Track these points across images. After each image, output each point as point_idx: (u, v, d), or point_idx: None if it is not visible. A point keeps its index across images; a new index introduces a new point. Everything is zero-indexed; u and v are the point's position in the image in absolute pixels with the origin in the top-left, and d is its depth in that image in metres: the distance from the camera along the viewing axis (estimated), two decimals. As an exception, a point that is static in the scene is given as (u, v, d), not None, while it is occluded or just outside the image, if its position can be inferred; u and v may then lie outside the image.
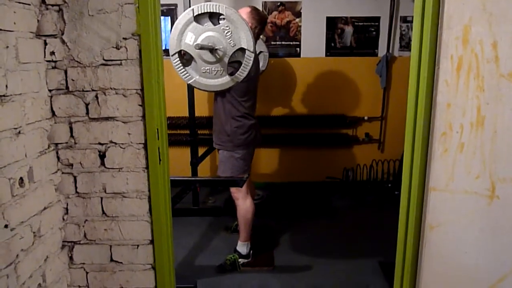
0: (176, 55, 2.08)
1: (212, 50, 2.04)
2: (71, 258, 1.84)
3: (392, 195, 4.12)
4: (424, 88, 1.59)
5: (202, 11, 2.05)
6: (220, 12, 2.05)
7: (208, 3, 2.06)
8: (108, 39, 1.63)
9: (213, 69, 2.09)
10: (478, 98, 1.46)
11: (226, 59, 2.09)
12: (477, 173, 1.50)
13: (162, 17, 4.09)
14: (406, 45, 4.25)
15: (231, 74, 2.16)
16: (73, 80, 1.67)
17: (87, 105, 1.69)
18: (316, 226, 3.57)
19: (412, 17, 1.64)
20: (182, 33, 2.07)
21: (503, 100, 1.40)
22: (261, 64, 3.61)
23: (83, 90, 1.68)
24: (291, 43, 4.27)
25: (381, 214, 3.81)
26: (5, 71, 1.40)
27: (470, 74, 1.46)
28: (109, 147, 1.73)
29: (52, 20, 1.61)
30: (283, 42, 4.27)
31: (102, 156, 1.74)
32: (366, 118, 4.39)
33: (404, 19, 4.22)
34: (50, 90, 1.68)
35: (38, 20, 1.60)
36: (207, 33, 2.06)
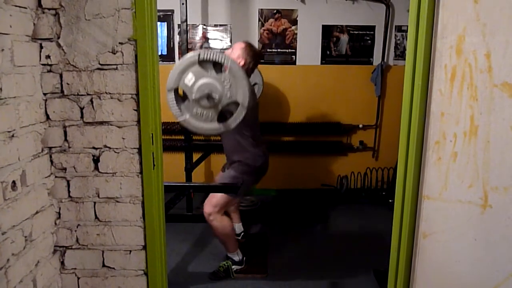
0: (172, 91, 2.12)
1: (208, 97, 2.09)
2: (62, 263, 1.82)
3: (386, 203, 4.12)
4: (418, 97, 1.60)
5: (207, 58, 2.10)
6: (224, 63, 2.11)
7: (215, 51, 2.12)
8: (104, 44, 1.63)
9: (204, 113, 2.15)
10: (471, 107, 1.47)
11: (218, 108, 2.14)
12: (470, 182, 1.51)
13: (158, 23, 4.10)
14: (400, 54, 4.29)
15: (221, 121, 2.23)
16: (68, 84, 1.67)
17: (81, 109, 1.69)
18: (310, 234, 3.57)
19: (407, 26, 1.66)
20: (183, 72, 2.10)
21: (496, 110, 1.42)
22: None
23: (78, 94, 1.67)
24: (287, 50, 4.29)
25: (375, 222, 3.81)
26: (0, 74, 1.39)
27: (463, 83, 1.48)
28: (103, 151, 1.72)
29: (48, 24, 1.61)
30: (278, 50, 4.29)
31: (96, 160, 1.73)
32: (360, 126, 4.41)
33: (399, 29, 4.26)
34: (45, 94, 1.67)
35: (34, 24, 1.60)
36: (207, 79, 2.11)
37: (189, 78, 2.10)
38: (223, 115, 2.22)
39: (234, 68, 2.09)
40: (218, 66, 2.16)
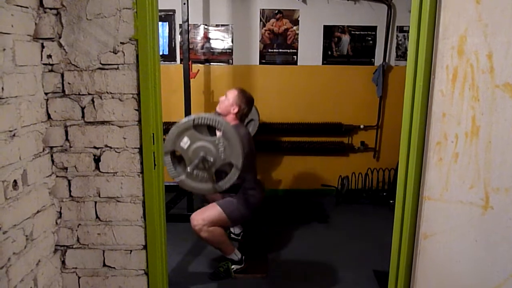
0: (169, 153, 2.21)
1: (203, 160, 2.15)
2: (63, 262, 1.82)
3: (387, 203, 4.12)
4: (419, 97, 1.60)
5: (202, 123, 2.19)
6: (218, 127, 2.19)
7: (209, 115, 2.19)
8: (105, 43, 1.63)
9: (199, 174, 2.22)
10: (473, 108, 1.47)
11: (213, 169, 2.22)
12: (471, 183, 1.51)
13: (160, 23, 4.10)
14: (402, 55, 4.29)
15: (216, 178, 2.30)
16: (69, 83, 1.67)
17: (83, 108, 1.69)
18: (311, 234, 3.56)
19: (409, 27, 1.65)
20: (179, 136, 2.20)
21: (497, 111, 1.41)
22: (250, 129, 3.77)
23: (79, 94, 1.68)
24: (288, 50, 4.29)
25: (376, 222, 3.81)
26: (1, 73, 1.40)
27: (465, 84, 1.48)
28: (104, 151, 1.72)
29: (50, 24, 1.61)
30: (280, 50, 4.29)
31: (97, 160, 1.73)
32: (362, 126, 4.41)
33: (401, 29, 4.25)
34: (46, 93, 1.67)
35: (36, 23, 1.60)
36: (202, 142, 2.20)
37: (185, 142, 2.20)
38: (219, 173, 2.28)
39: (228, 131, 2.17)
40: (212, 129, 2.24)
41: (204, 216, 2.71)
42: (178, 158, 2.26)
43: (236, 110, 2.83)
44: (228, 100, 2.84)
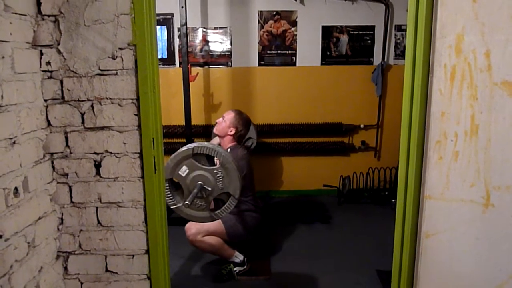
0: (167, 182, 2.24)
1: (201, 189, 2.17)
2: (65, 268, 1.83)
3: (389, 202, 4.12)
4: (418, 96, 1.60)
5: (201, 152, 2.22)
6: (217, 157, 2.23)
7: (208, 145, 2.24)
8: (104, 49, 1.64)
9: (197, 202, 2.25)
10: (472, 106, 1.47)
11: (210, 198, 2.26)
12: (472, 181, 1.51)
13: (158, 27, 4.11)
14: (401, 54, 4.29)
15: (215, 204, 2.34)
16: (68, 90, 1.67)
17: (82, 114, 1.69)
18: (313, 234, 3.56)
19: (407, 25, 1.66)
20: (178, 165, 2.23)
21: (496, 109, 1.41)
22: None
23: (78, 100, 1.68)
24: (287, 52, 4.29)
25: (378, 221, 3.81)
26: (0, 81, 1.40)
27: (463, 83, 1.48)
28: (104, 156, 1.73)
29: (48, 31, 1.62)
30: (278, 51, 4.29)
31: (97, 165, 1.73)
32: (362, 126, 4.41)
33: (399, 28, 4.26)
34: (45, 100, 1.68)
35: (34, 31, 1.60)
36: (200, 171, 2.23)
37: (183, 170, 2.22)
38: (216, 200, 2.29)
39: (227, 162, 2.18)
40: (211, 159, 2.25)
41: (198, 227, 2.72)
42: (175, 185, 2.30)
43: (233, 131, 2.86)
44: (225, 122, 2.87)
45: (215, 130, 3.00)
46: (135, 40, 1.62)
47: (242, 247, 2.96)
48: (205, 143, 2.34)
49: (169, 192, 2.25)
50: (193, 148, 2.21)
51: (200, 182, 2.20)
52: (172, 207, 2.26)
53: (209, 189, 2.20)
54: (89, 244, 1.80)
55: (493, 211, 1.48)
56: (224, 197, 2.26)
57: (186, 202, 2.16)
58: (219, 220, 2.73)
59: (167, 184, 2.23)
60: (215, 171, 2.21)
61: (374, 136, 4.46)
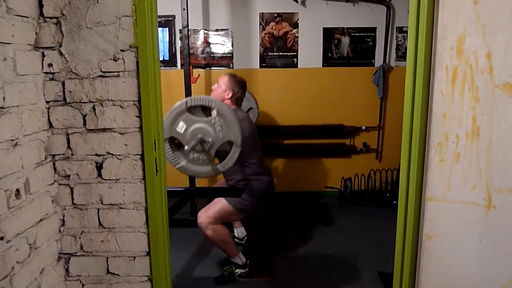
0: (167, 141, 2.16)
1: (202, 142, 2.12)
2: (67, 270, 1.83)
3: (391, 204, 4.11)
4: (419, 98, 1.60)
5: (195, 104, 2.16)
6: (212, 106, 2.17)
7: (201, 96, 2.18)
8: (105, 51, 1.64)
9: (200, 157, 2.20)
10: (473, 108, 1.47)
11: (213, 151, 2.20)
12: (474, 183, 1.51)
13: (159, 28, 4.12)
14: (402, 55, 4.29)
15: (217, 157, 2.26)
16: (70, 91, 1.67)
17: (84, 116, 1.70)
18: (315, 236, 3.56)
19: (408, 27, 1.66)
20: (174, 121, 2.17)
21: (498, 111, 1.41)
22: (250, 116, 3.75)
23: (80, 102, 1.68)
24: (288, 53, 4.30)
25: (380, 223, 3.80)
26: (2, 83, 1.40)
27: (465, 84, 1.48)
28: (106, 158, 1.73)
29: (50, 33, 1.62)
30: (280, 53, 4.30)
31: (99, 167, 1.74)
32: (363, 127, 4.41)
33: (400, 30, 4.26)
34: (47, 102, 1.68)
35: (36, 33, 1.61)
36: (198, 124, 2.17)
37: (181, 126, 2.17)
38: (220, 155, 2.25)
39: (223, 109, 2.13)
40: (207, 110, 2.20)
41: (209, 213, 2.72)
42: (177, 145, 2.23)
43: (230, 95, 2.80)
44: (221, 87, 2.82)
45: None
46: (136, 42, 1.63)
47: (244, 250, 2.96)
48: (199, 95, 2.28)
49: (170, 152, 2.18)
50: (186, 101, 2.14)
51: (199, 135, 2.14)
52: (176, 166, 2.20)
53: (210, 140, 2.13)
54: (91, 246, 1.81)
55: (495, 213, 1.47)
56: (227, 148, 2.19)
57: (186, 149, 2.09)
58: (225, 201, 2.73)
59: (168, 144, 2.16)
60: (212, 121, 2.14)
61: (375, 137, 4.46)
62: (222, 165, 2.21)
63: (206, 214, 2.71)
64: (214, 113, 2.20)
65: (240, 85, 2.86)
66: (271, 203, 3.01)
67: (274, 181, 3.02)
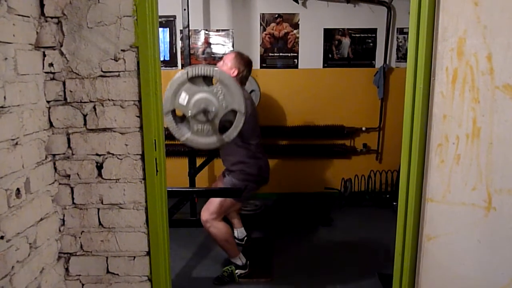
0: (170, 113, 2.13)
1: (205, 112, 2.10)
2: (67, 269, 1.83)
3: (391, 205, 4.11)
4: (420, 99, 1.60)
5: (196, 74, 2.11)
6: (213, 75, 2.12)
7: (202, 65, 2.13)
8: (106, 51, 1.64)
9: (205, 128, 2.15)
10: (473, 109, 1.47)
11: (217, 120, 2.15)
12: (474, 185, 1.51)
13: (160, 29, 4.12)
14: (403, 57, 4.29)
15: (222, 131, 2.23)
16: (71, 91, 1.68)
17: (85, 116, 1.70)
18: (315, 237, 3.56)
19: (409, 28, 1.66)
20: (176, 93, 2.13)
21: (498, 112, 1.42)
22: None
23: (81, 102, 1.69)
24: (289, 54, 4.30)
25: (380, 225, 3.80)
26: (3, 82, 1.41)
27: (465, 86, 1.48)
28: (106, 158, 1.73)
29: (51, 32, 1.63)
30: (281, 54, 4.30)
31: (99, 167, 1.74)
32: (364, 128, 4.41)
33: (401, 31, 4.26)
34: (48, 101, 1.68)
35: (37, 32, 1.61)
36: (200, 94, 2.12)
37: (183, 97, 2.12)
38: (224, 127, 2.21)
39: (225, 78, 2.09)
40: (208, 80, 2.17)
41: (210, 210, 2.73)
42: (180, 118, 2.20)
43: (235, 73, 2.74)
44: (226, 65, 2.76)
45: None
46: (137, 42, 1.63)
47: (244, 250, 2.96)
48: (199, 65, 2.23)
49: (174, 125, 2.15)
50: (187, 72, 2.10)
51: (202, 105, 2.09)
52: (180, 139, 2.18)
53: (213, 110, 2.09)
54: (91, 246, 1.81)
55: (495, 215, 1.47)
56: (231, 117, 2.15)
57: (189, 114, 2.06)
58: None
59: (170, 117, 2.13)
60: (215, 90, 2.10)
61: (375, 138, 4.46)
62: (227, 135, 2.15)
63: (208, 212, 2.72)
64: (215, 82, 2.17)
65: (246, 64, 2.80)
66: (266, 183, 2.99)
67: (270, 166, 3.01)
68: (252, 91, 3.76)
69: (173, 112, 2.17)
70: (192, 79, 2.12)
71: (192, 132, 2.14)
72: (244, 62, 2.80)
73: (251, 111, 2.69)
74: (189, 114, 2.10)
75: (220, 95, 2.10)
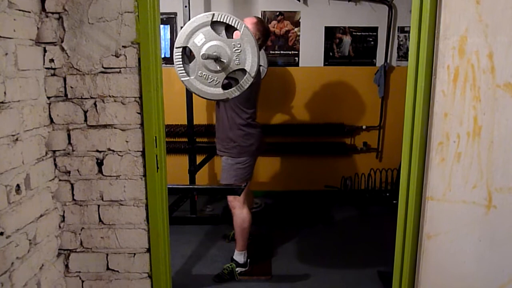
0: (180, 49, 2.07)
1: (216, 60, 2.05)
2: (67, 266, 1.83)
3: (391, 204, 4.11)
4: (421, 98, 1.60)
5: (221, 20, 2.04)
6: (238, 28, 2.05)
7: (230, 15, 2.06)
8: (107, 47, 1.64)
9: (209, 76, 2.09)
10: (474, 108, 1.47)
11: (224, 74, 2.08)
12: (474, 183, 1.51)
13: (161, 26, 4.11)
14: (404, 55, 4.28)
15: (224, 88, 2.16)
16: (72, 87, 1.67)
17: (85, 112, 1.70)
18: (315, 235, 3.56)
19: (410, 27, 1.65)
20: (194, 32, 2.05)
21: (499, 110, 1.41)
22: None
23: (81, 98, 1.68)
24: (290, 52, 4.29)
25: (380, 223, 3.80)
26: (4, 78, 1.40)
27: (466, 84, 1.47)
28: (107, 154, 1.73)
29: (52, 28, 1.62)
30: (281, 51, 4.29)
31: (99, 163, 1.74)
32: (364, 127, 4.41)
33: (402, 29, 4.25)
34: (48, 97, 1.68)
35: (38, 28, 1.61)
36: (217, 41, 2.05)
37: (200, 39, 2.05)
38: (228, 83, 2.16)
39: (247, 35, 2.02)
40: (230, 31, 2.10)
41: (230, 197, 2.79)
42: (188, 59, 2.14)
43: None
44: None
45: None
46: (138, 39, 1.63)
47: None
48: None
49: (180, 62, 2.09)
50: (213, 14, 2.02)
51: (215, 53, 2.03)
52: (182, 78, 2.12)
53: (225, 61, 2.03)
54: (91, 242, 1.81)
55: (495, 213, 1.47)
56: (238, 76, 2.09)
57: (202, 54, 2.00)
58: (232, 182, 2.73)
59: (180, 53, 2.07)
60: (233, 43, 2.03)
61: (376, 137, 4.46)
62: (229, 92, 2.10)
63: (231, 198, 2.78)
64: (236, 36, 2.10)
65: (265, 33, 2.75)
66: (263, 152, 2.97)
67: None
68: (260, 66, 3.72)
69: (184, 49, 2.11)
70: (215, 25, 2.05)
71: (195, 77, 2.08)
72: (263, 30, 2.73)
73: (256, 81, 2.61)
74: (200, 55, 2.04)
75: (237, 51, 2.04)
